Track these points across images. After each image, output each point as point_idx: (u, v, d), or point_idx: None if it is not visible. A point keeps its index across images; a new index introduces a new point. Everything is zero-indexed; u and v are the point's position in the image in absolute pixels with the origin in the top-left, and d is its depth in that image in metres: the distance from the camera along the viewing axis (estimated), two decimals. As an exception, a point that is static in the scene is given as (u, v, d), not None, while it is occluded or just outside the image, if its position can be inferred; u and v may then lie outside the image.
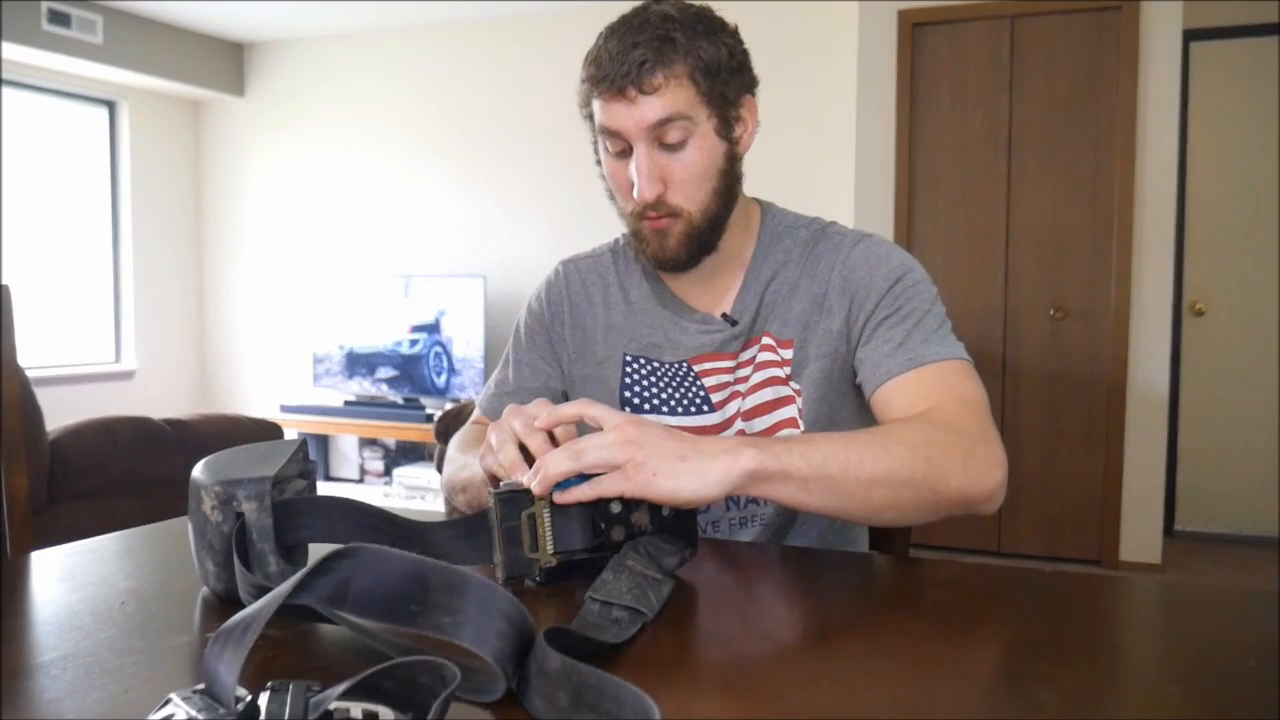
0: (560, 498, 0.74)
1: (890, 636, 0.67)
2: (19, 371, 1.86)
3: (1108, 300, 3.58)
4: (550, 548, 0.74)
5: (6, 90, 4.42)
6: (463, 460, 1.05)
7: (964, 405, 0.91)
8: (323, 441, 4.95)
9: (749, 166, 1.08)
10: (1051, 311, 3.65)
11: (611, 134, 0.99)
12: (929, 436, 0.86)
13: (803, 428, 1.04)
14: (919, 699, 0.55)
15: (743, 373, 1.08)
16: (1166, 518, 3.82)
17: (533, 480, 0.73)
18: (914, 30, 3.75)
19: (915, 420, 0.89)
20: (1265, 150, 4.01)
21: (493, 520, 0.74)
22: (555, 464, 0.73)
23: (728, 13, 1.04)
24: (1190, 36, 3.94)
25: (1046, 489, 3.67)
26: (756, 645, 0.66)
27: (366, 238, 5.04)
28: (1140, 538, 3.59)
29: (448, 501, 1.09)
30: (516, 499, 0.74)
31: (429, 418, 4.33)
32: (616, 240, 1.20)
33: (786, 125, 4.08)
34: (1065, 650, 0.62)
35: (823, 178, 4.08)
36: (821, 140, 4.11)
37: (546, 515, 0.74)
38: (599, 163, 1.06)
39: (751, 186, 1.13)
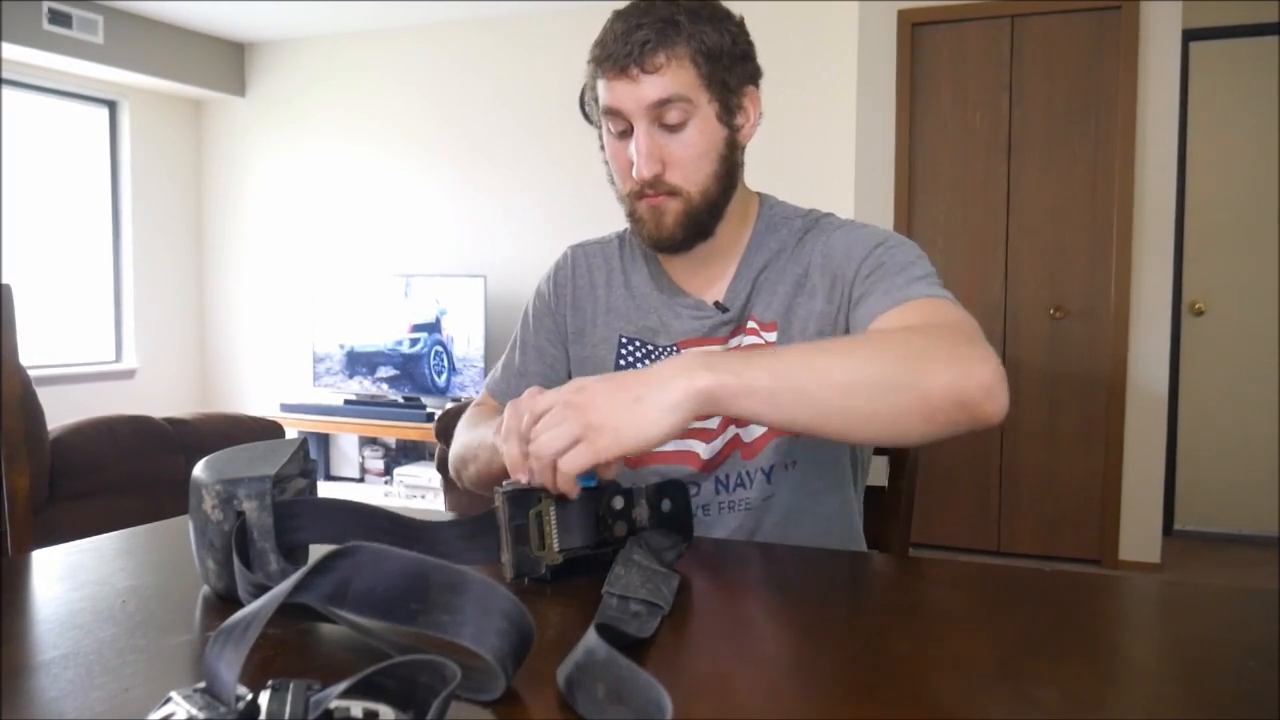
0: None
1: (890, 636, 0.67)
2: (20, 370, 1.85)
3: (1108, 300, 3.57)
4: (556, 545, 0.75)
5: (7, 90, 4.42)
6: (469, 435, 1.05)
7: (952, 324, 0.87)
8: (323, 440, 4.95)
9: (750, 164, 1.08)
10: (1051, 311, 3.64)
11: (614, 114, 1.01)
12: (905, 339, 0.81)
13: None
14: (919, 698, 0.55)
15: None
16: (1166, 517, 3.82)
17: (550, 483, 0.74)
18: (914, 30, 3.75)
19: (892, 329, 0.85)
20: (1265, 150, 4.01)
21: (501, 519, 0.74)
22: (569, 461, 0.72)
23: (730, 8, 1.04)
24: (1190, 36, 3.94)
25: (1046, 488, 3.67)
26: (756, 644, 0.66)
27: (366, 238, 5.03)
28: (1139, 537, 3.59)
29: (457, 476, 1.09)
30: (523, 496, 0.75)
31: (429, 417, 4.33)
32: (625, 230, 1.20)
33: (787, 125, 4.08)
34: (1065, 650, 0.63)
35: (823, 177, 4.07)
36: (821, 140, 4.11)
37: (552, 513, 0.75)
38: (603, 148, 1.07)
39: (752, 185, 1.13)
